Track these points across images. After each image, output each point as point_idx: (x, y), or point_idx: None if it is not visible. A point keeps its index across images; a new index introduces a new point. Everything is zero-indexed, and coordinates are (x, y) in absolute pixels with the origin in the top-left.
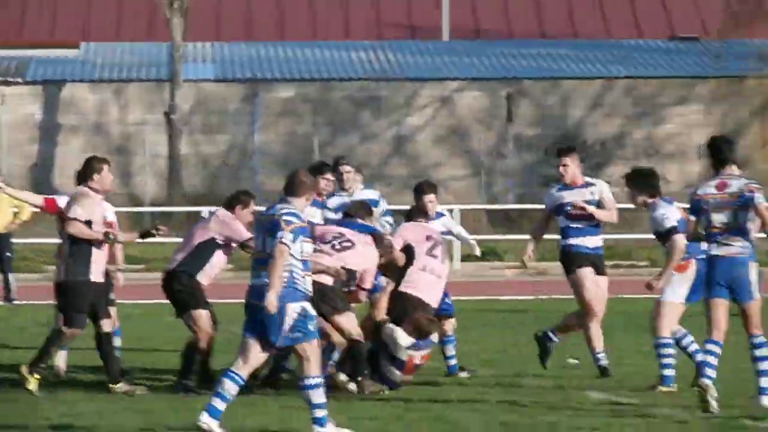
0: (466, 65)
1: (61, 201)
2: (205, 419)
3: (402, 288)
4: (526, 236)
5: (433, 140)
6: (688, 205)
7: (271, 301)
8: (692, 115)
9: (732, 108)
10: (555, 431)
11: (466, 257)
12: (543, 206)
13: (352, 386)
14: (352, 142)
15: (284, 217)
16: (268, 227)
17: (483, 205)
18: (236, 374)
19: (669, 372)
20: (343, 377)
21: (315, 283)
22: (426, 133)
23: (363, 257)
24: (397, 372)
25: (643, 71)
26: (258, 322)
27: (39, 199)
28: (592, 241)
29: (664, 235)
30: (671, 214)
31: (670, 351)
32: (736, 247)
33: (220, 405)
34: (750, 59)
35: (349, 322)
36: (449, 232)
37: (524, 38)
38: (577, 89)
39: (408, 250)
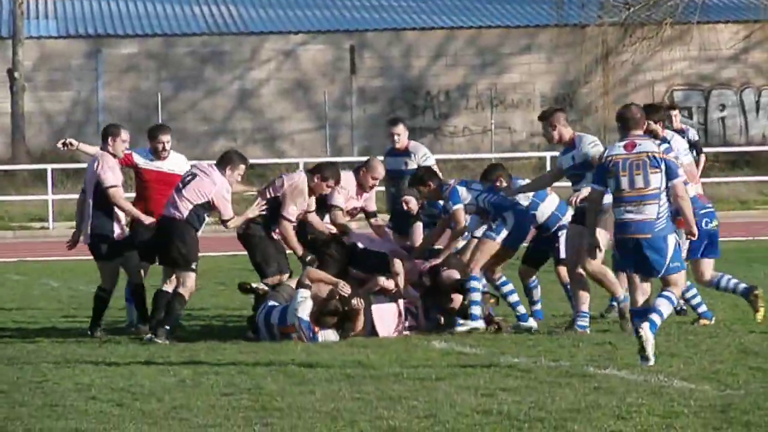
0: (309, 18)
1: (136, 155)
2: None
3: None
4: None
5: (277, 94)
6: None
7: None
8: (535, 64)
9: (574, 56)
10: (399, 381)
11: None
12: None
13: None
14: (196, 97)
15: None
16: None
17: (328, 158)
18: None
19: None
20: None
21: None
22: (270, 86)
23: None
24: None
25: (485, 21)
26: (634, 255)
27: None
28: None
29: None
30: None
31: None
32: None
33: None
34: (590, 7)
35: None
36: None
37: None
38: (419, 40)
39: None
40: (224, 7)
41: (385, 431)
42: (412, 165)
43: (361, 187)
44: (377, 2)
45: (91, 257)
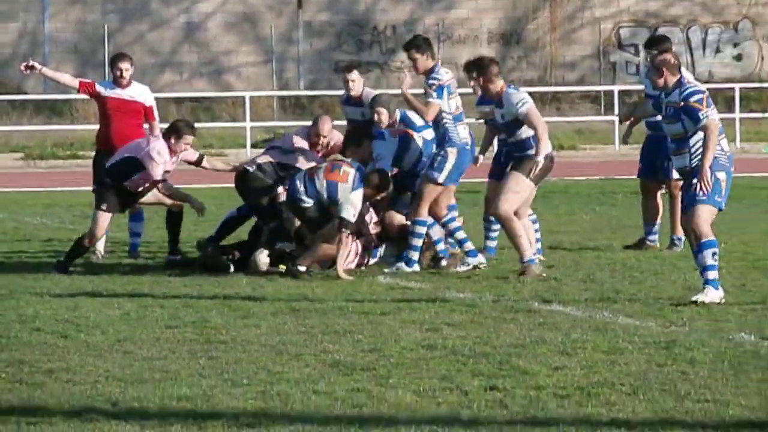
0: None
1: (98, 85)
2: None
3: None
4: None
5: (223, 27)
6: None
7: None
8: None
9: None
10: (344, 315)
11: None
12: (333, 92)
13: None
14: (142, 30)
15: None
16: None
17: (274, 92)
18: None
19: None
20: None
21: None
22: (216, 19)
23: None
24: None
25: None
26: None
27: (75, 82)
28: None
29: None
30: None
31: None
32: None
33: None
34: None
35: None
36: None
37: None
38: None
39: None
40: None
41: (330, 365)
42: (368, 114)
43: (313, 146)
44: None
45: (36, 189)
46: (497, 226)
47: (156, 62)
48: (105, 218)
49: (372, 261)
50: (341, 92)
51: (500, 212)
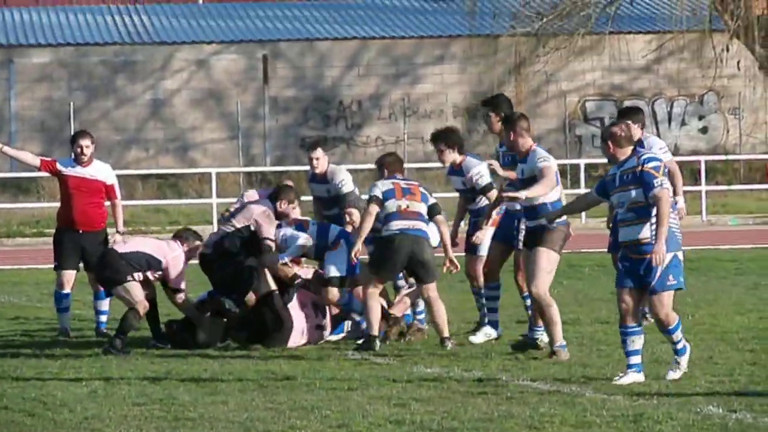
0: (221, 28)
1: (59, 163)
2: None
3: None
4: None
5: (189, 104)
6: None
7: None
8: (448, 74)
9: (487, 66)
10: (312, 391)
11: None
12: (300, 168)
13: None
14: (108, 107)
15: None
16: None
17: (241, 168)
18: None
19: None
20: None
21: None
22: (182, 96)
23: None
24: None
25: (398, 31)
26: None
27: (36, 161)
28: None
29: (480, 191)
30: (485, 171)
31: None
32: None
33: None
34: (503, 18)
35: None
36: None
37: (279, 1)
38: (333, 50)
39: None
40: (136, 17)
41: None
42: (333, 191)
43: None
44: (290, 12)
45: (2, 267)
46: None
47: (122, 139)
48: (137, 287)
49: (336, 337)
50: (308, 168)
51: (539, 296)
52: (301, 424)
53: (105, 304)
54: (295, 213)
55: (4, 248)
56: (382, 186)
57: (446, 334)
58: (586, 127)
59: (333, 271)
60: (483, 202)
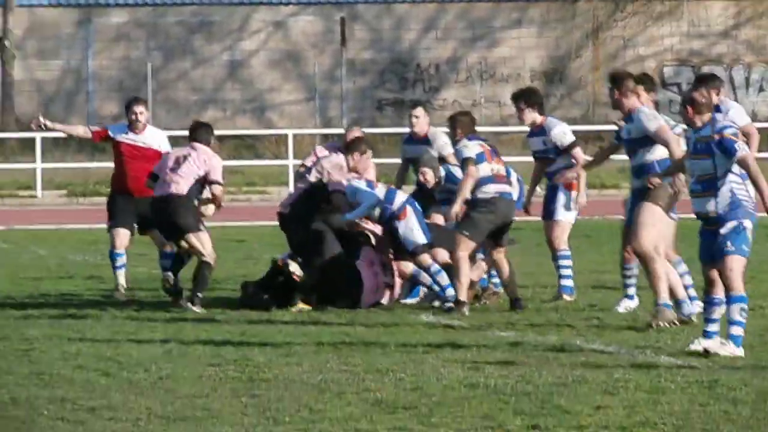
0: None
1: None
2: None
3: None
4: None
5: (267, 65)
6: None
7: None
8: (525, 38)
9: (565, 31)
10: (386, 353)
11: None
12: (385, 130)
13: None
14: (185, 67)
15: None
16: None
17: (317, 130)
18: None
19: (568, 282)
20: None
21: None
22: (260, 57)
23: None
24: None
25: None
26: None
27: (88, 133)
28: None
29: (564, 149)
30: (568, 129)
31: (569, 262)
32: None
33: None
34: None
35: None
36: None
37: None
38: (410, 12)
39: None
40: None
41: (372, 403)
42: (432, 153)
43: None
44: None
45: (79, 226)
46: (564, 262)
47: (199, 99)
48: (207, 237)
49: (411, 300)
50: (384, 130)
51: (642, 250)
52: (376, 386)
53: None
54: (369, 164)
55: (81, 207)
56: (472, 148)
57: (516, 293)
58: (663, 93)
59: (418, 238)
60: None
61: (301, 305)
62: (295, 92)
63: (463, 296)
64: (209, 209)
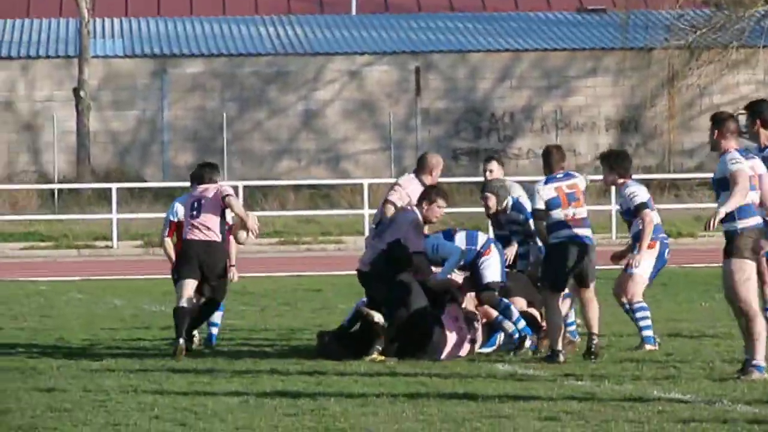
0: (374, 39)
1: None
2: None
3: None
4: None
5: (342, 114)
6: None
7: None
8: (600, 87)
9: (640, 79)
10: (462, 402)
11: None
12: (459, 179)
13: None
14: (260, 117)
15: None
16: None
17: (392, 179)
18: None
19: (648, 332)
20: None
21: None
22: (335, 107)
23: None
24: None
25: (551, 43)
26: None
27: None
28: None
29: (633, 212)
30: (641, 192)
31: (647, 313)
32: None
33: None
34: (656, 30)
35: None
36: None
37: (432, 12)
38: (485, 61)
39: None
40: (289, 28)
41: None
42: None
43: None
44: (443, 24)
45: (155, 276)
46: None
47: (274, 149)
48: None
49: (489, 349)
50: (459, 179)
51: (743, 306)
52: None
53: (218, 317)
54: (441, 213)
55: (157, 258)
56: (544, 194)
57: (596, 330)
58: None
59: (492, 276)
60: (638, 225)
61: (376, 356)
62: (370, 142)
63: (558, 345)
64: (242, 236)
